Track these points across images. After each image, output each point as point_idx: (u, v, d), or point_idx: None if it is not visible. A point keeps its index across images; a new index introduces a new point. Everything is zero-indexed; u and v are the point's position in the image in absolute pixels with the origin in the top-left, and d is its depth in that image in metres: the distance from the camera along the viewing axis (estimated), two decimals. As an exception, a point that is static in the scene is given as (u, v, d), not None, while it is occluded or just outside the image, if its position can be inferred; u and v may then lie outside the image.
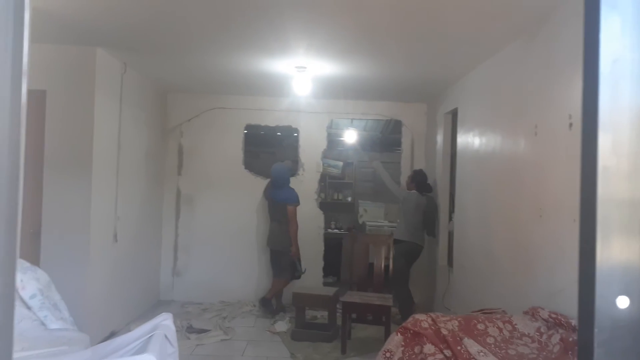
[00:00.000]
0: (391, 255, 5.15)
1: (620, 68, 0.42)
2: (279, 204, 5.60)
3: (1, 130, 0.50)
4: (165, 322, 1.63)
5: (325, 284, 6.29)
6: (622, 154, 0.41)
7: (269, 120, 6.33)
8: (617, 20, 0.42)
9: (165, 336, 1.53)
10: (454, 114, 5.19)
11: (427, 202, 5.43)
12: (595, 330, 0.40)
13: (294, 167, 6.38)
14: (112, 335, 4.49)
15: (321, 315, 5.38)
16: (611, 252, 0.40)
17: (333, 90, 5.69)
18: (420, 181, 5.48)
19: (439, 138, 5.62)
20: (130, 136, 4.98)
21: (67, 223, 4.12)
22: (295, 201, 5.59)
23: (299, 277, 5.64)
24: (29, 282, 2.09)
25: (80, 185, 4.15)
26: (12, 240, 0.58)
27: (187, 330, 4.87)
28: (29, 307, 2.04)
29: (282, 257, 5.59)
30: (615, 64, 0.42)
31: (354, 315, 4.71)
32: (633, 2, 0.42)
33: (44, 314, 2.00)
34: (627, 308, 0.40)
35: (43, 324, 1.98)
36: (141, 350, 1.39)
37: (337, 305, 4.89)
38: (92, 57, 4.19)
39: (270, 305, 5.52)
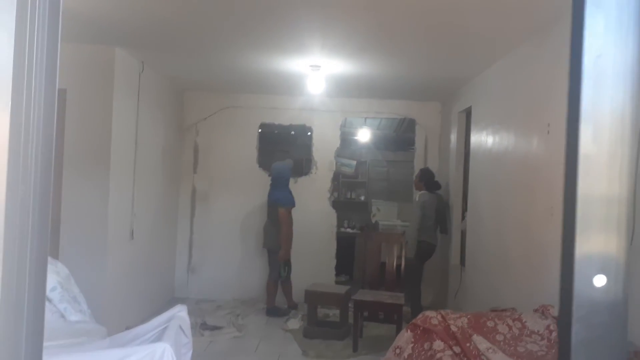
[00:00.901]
0: (403, 254, 5.17)
1: (603, 63, 0.45)
2: (272, 204, 5.54)
3: (36, 129, 0.54)
4: (180, 313, 1.68)
5: (338, 282, 6.32)
6: (602, 143, 0.44)
7: (283, 119, 6.38)
8: (601, 18, 0.45)
9: (180, 327, 1.58)
10: (467, 112, 5.19)
11: (437, 200, 5.43)
12: (574, 306, 0.43)
13: (306, 165, 6.40)
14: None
15: (333, 314, 5.42)
16: (591, 232, 0.43)
17: (347, 89, 5.72)
18: (428, 179, 5.48)
19: (453, 137, 5.61)
20: (147, 134, 5.06)
21: (85, 220, 4.21)
22: (287, 203, 5.47)
23: (282, 280, 5.56)
24: (49, 275, 2.15)
25: (98, 183, 4.24)
26: (44, 240, 0.62)
27: (201, 327, 4.94)
28: (49, 300, 2.10)
29: (271, 257, 5.56)
30: (599, 59, 0.45)
31: (365, 314, 4.74)
32: (617, 2, 0.45)
33: (63, 306, 2.07)
34: (604, 286, 0.43)
35: (63, 316, 2.04)
36: (157, 339, 1.44)
37: (349, 304, 4.92)
38: (111, 56, 4.28)
39: (276, 310, 5.51)
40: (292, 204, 5.58)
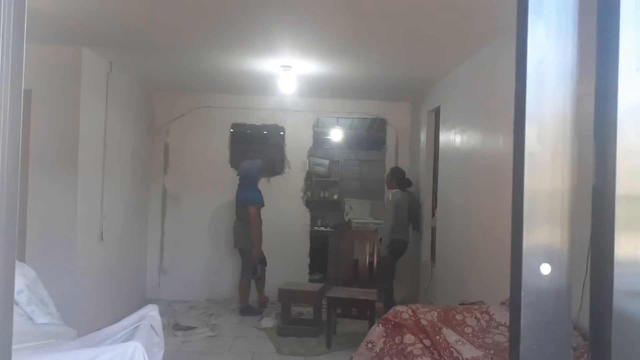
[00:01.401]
0: (376, 252, 5.24)
1: (544, 68, 0.49)
2: (241, 204, 5.53)
3: (2, 130, 0.54)
4: (151, 312, 1.68)
5: (312, 280, 6.35)
6: (545, 142, 0.48)
7: (255, 119, 6.37)
8: (542, 25, 0.49)
9: (151, 326, 1.58)
10: (436, 112, 5.29)
11: (410, 198, 5.53)
12: (522, 293, 0.46)
13: (279, 165, 6.41)
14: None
15: (307, 311, 5.45)
16: (537, 224, 0.47)
17: (319, 89, 5.75)
18: (400, 178, 5.57)
19: (423, 136, 5.71)
20: (116, 135, 4.99)
21: (53, 222, 4.13)
22: (256, 202, 5.47)
23: (257, 277, 5.57)
24: (16, 278, 2.12)
25: (66, 184, 4.16)
26: (12, 241, 0.61)
27: (174, 327, 4.90)
28: (16, 303, 2.06)
29: (244, 256, 5.57)
30: (541, 64, 0.49)
31: (339, 311, 4.78)
32: (556, 10, 0.49)
33: (31, 309, 2.03)
34: (549, 274, 0.46)
35: (30, 318, 2.01)
36: (128, 339, 1.44)
37: (323, 301, 4.96)
38: (77, 57, 4.20)
39: (250, 309, 5.51)
40: (262, 204, 5.58)
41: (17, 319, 1.95)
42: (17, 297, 2.08)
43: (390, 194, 5.57)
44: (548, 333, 0.46)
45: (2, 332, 0.67)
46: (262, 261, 5.55)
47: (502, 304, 2.84)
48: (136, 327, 1.53)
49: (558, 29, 0.48)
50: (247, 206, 5.45)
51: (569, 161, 0.47)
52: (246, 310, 5.50)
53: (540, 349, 0.45)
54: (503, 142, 3.48)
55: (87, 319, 4.32)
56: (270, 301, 5.72)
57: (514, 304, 0.47)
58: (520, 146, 0.47)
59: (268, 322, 5.19)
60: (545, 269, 0.46)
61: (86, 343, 1.50)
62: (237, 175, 5.80)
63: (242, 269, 5.64)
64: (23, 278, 2.18)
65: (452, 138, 4.64)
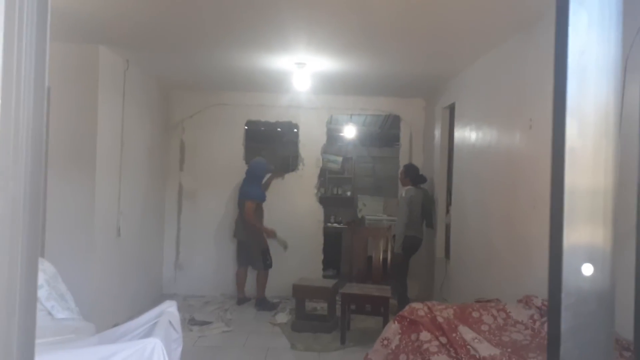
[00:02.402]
0: (389, 248, 5.21)
1: (586, 59, 0.47)
2: (240, 198, 5.69)
3: (26, 126, 0.54)
4: (169, 309, 1.68)
5: (325, 276, 6.35)
6: (587, 136, 0.45)
7: (269, 116, 6.37)
8: (584, 15, 0.47)
9: (170, 322, 1.58)
10: (451, 108, 5.23)
11: (424, 195, 5.48)
12: (563, 295, 0.44)
13: (293, 162, 6.41)
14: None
15: (321, 307, 5.45)
16: (578, 221, 0.45)
17: (332, 86, 5.73)
18: (413, 174, 5.53)
19: (437, 132, 5.66)
20: (133, 132, 5.02)
21: (71, 218, 4.17)
22: (254, 197, 5.61)
23: (270, 267, 5.73)
24: (35, 273, 2.14)
25: (83, 181, 4.20)
26: (35, 238, 0.61)
27: (190, 322, 4.93)
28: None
29: (242, 247, 5.76)
30: (582, 55, 0.47)
31: (353, 307, 4.77)
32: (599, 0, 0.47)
33: (50, 304, 2.05)
34: (591, 275, 0.44)
35: (50, 313, 2.03)
36: (147, 335, 1.44)
37: (337, 297, 4.95)
38: (95, 55, 4.23)
39: (266, 302, 5.61)
40: (260, 199, 5.72)
41: (37, 314, 1.97)
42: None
43: (403, 191, 5.54)
44: (589, 337, 0.44)
45: (25, 329, 0.67)
46: (266, 252, 5.69)
47: (519, 301, 2.80)
48: (155, 323, 1.53)
49: (601, 18, 0.46)
50: (245, 201, 5.59)
51: (612, 157, 0.45)
52: (261, 303, 5.61)
53: (582, 353, 0.43)
54: (520, 139, 3.43)
55: (105, 314, 4.37)
56: (284, 297, 5.79)
57: (553, 306, 0.45)
58: (560, 141, 0.45)
59: (282, 317, 5.21)
60: (587, 269, 0.44)
61: (105, 339, 1.51)
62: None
63: (238, 258, 5.84)
64: (42, 274, 2.20)
65: (467, 134, 4.58)
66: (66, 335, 1.77)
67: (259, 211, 5.70)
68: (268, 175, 5.98)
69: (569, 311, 0.44)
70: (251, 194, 5.62)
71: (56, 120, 4.13)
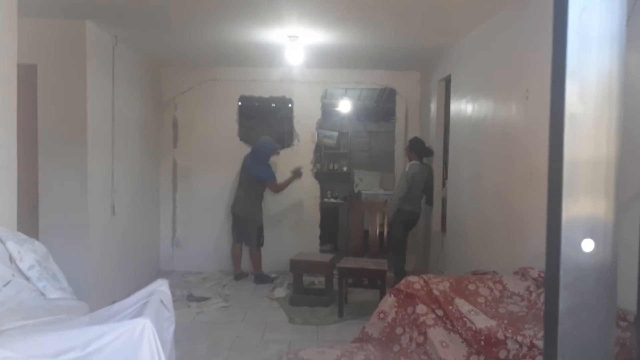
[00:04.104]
0: (386, 222, 5.21)
1: (588, 16, 0.42)
2: (251, 177, 5.68)
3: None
4: (161, 287, 1.67)
5: (323, 251, 6.37)
6: (588, 101, 0.42)
7: (263, 91, 6.28)
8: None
9: (161, 301, 1.56)
10: (447, 81, 5.16)
11: (428, 171, 5.44)
12: (561, 272, 0.41)
13: (288, 138, 6.36)
14: (113, 306, 4.56)
15: (319, 281, 5.48)
16: (578, 194, 0.41)
17: (326, 60, 5.63)
18: (419, 148, 5.48)
19: (433, 106, 5.60)
20: (124, 110, 4.95)
21: (65, 197, 4.14)
22: (273, 178, 5.74)
23: (262, 245, 5.79)
24: (26, 253, 2.11)
25: (75, 160, 4.14)
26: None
27: (188, 298, 4.95)
28: (27, 278, 2.06)
29: (239, 222, 5.76)
30: (584, 12, 0.42)
31: (350, 280, 4.80)
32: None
33: (42, 284, 2.03)
34: (592, 251, 0.41)
35: (42, 294, 2.01)
36: (137, 315, 1.42)
37: (334, 271, 4.97)
38: (81, 30, 4.12)
39: (265, 277, 5.68)
40: (275, 178, 5.76)
41: (28, 294, 1.95)
42: (28, 272, 2.08)
43: (407, 165, 5.49)
44: (590, 316, 0.41)
45: None
46: (261, 230, 5.77)
47: (516, 273, 2.81)
48: (146, 302, 1.51)
49: (604, -30, 0.42)
50: (262, 183, 5.65)
51: (615, 123, 0.41)
52: (260, 278, 5.68)
53: (580, 333, 0.41)
54: (516, 110, 3.39)
55: (102, 293, 4.37)
56: (283, 272, 5.84)
57: (550, 284, 0.42)
58: (559, 106, 0.41)
59: (280, 292, 5.24)
60: (588, 245, 0.41)
61: (95, 319, 1.49)
62: (252, 147, 5.86)
63: (234, 234, 5.83)
64: (33, 254, 2.18)
65: (463, 107, 4.53)
66: (59, 314, 1.76)
67: (262, 187, 5.77)
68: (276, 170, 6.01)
69: (567, 289, 0.41)
70: (268, 175, 5.69)
71: (45, 98, 4.05)
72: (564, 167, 0.41)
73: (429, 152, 5.49)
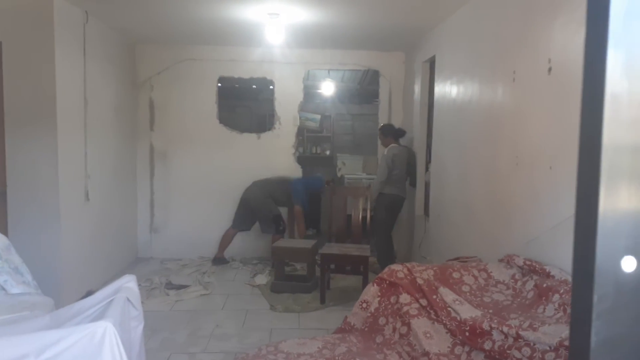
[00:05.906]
0: (369, 207, 5.14)
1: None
2: (288, 194, 5.68)
3: None
4: (127, 284, 1.55)
5: (305, 236, 6.29)
6: (635, 78, 0.32)
7: (243, 72, 6.10)
8: None
9: (128, 299, 1.46)
10: (431, 62, 5.06)
11: (408, 153, 5.37)
12: (595, 297, 0.32)
13: (269, 121, 6.22)
14: (89, 294, 4.43)
15: (300, 267, 5.41)
16: (618, 201, 0.32)
17: (308, 39, 5.48)
18: (392, 131, 5.41)
19: (417, 87, 5.50)
20: (97, 90, 4.75)
21: (35, 182, 3.96)
22: (306, 209, 5.79)
23: (284, 232, 5.76)
24: (-14, 246, 1.98)
25: (45, 142, 3.96)
26: None
27: (166, 286, 4.84)
28: (-13, 272, 1.93)
29: (260, 213, 5.66)
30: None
31: (332, 266, 4.74)
32: None
33: (3, 278, 1.90)
34: (635, 271, 0.32)
35: (3, 288, 1.88)
36: (100, 315, 1.31)
37: (316, 257, 4.90)
38: (49, 5, 3.91)
39: (222, 260, 5.77)
40: (306, 209, 5.84)
41: (-12, 289, 1.82)
42: (-12, 265, 1.94)
43: (386, 149, 5.41)
44: (631, 352, 0.32)
45: None
46: (279, 217, 5.71)
47: (501, 261, 2.75)
48: (111, 301, 1.40)
49: None
50: (292, 202, 5.68)
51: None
52: (219, 261, 5.71)
53: (618, 376, 0.31)
54: (502, 93, 3.30)
55: (77, 281, 4.24)
56: (265, 258, 5.78)
57: (579, 313, 0.33)
58: (595, 84, 0.31)
59: (261, 279, 5.15)
60: (630, 264, 0.32)
61: (56, 319, 1.38)
62: (295, 184, 5.80)
63: (236, 220, 5.73)
64: (-7, 245, 2.04)
65: (447, 89, 4.44)
66: (20, 311, 1.64)
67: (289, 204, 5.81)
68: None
69: (602, 320, 0.32)
70: (304, 204, 5.72)
71: (11, 77, 3.85)
72: (602, 160, 0.31)
73: (402, 132, 5.44)
